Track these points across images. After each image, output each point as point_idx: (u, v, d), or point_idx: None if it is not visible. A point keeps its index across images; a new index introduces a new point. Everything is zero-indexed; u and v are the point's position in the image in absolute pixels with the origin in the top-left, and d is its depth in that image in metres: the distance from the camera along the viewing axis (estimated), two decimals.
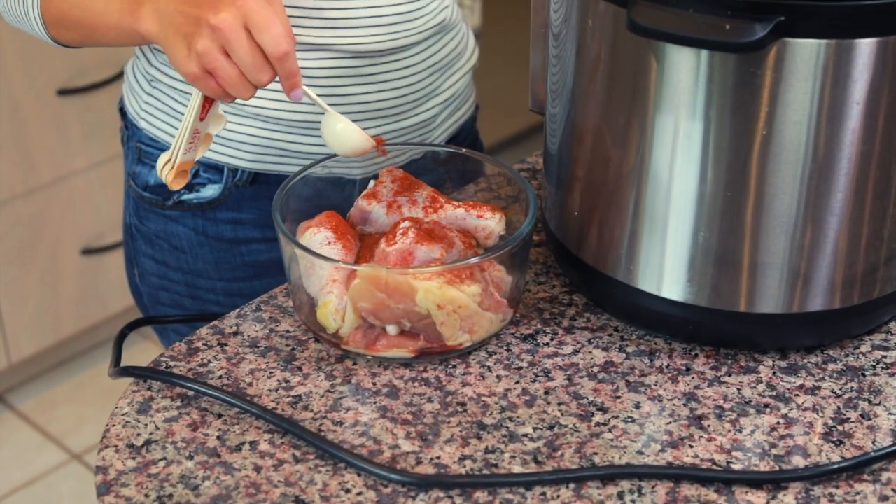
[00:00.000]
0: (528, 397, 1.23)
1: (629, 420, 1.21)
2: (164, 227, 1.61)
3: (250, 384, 1.25)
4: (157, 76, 1.56)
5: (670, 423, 1.20)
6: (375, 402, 1.23)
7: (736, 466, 1.16)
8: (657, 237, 1.23)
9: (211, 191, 1.57)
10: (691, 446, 1.18)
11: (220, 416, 1.21)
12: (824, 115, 1.15)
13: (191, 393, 1.24)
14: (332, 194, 1.41)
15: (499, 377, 1.26)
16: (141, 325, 1.48)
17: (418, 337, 1.26)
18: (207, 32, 1.25)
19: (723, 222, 1.20)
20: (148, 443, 1.18)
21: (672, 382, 1.25)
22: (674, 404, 1.22)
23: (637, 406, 1.22)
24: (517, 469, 1.15)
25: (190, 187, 1.57)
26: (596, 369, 1.27)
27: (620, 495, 1.13)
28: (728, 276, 1.23)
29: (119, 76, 2.85)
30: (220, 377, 1.26)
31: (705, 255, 1.22)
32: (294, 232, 1.34)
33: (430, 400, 1.23)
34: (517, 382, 1.25)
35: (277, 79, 1.32)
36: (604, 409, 1.22)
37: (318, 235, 1.31)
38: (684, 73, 1.16)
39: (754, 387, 1.24)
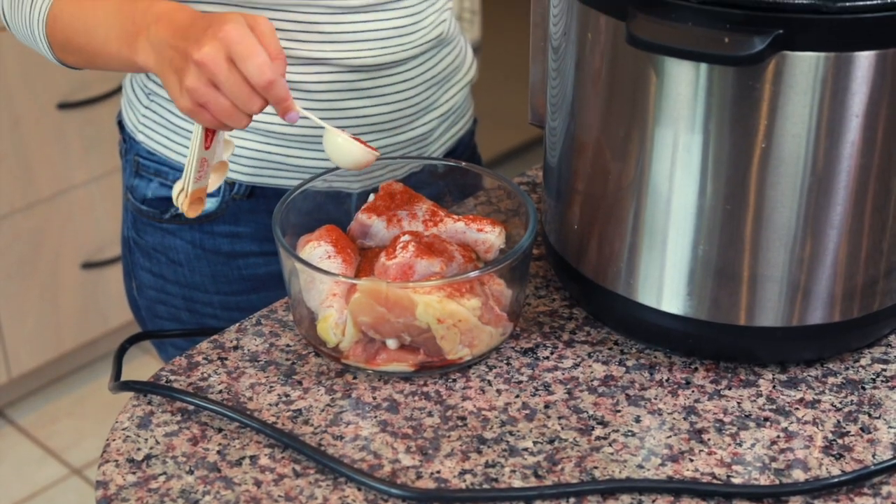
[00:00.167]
0: (528, 411, 1.23)
1: (629, 434, 1.20)
2: (162, 241, 1.61)
3: (250, 398, 1.25)
4: (154, 90, 1.57)
5: (670, 436, 1.20)
6: (376, 417, 1.23)
7: (736, 480, 1.15)
8: (657, 250, 1.24)
9: (208, 204, 1.57)
10: (691, 460, 1.17)
11: (220, 430, 1.21)
12: (823, 128, 1.15)
13: (191, 407, 1.24)
14: (332, 208, 1.41)
15: (499, 391, 1.26)
16: (141, 339, 1.47)
17: (418, 351, 1.26)
18: (194, 68, 1.26)
19: (722, 235, 1.20)
20: (148, 457, 1.18)
21: (672, 396, 1.25)
22: (674, 418, 1.22)
23: (637, 420, 1.22)
24: (517, 483, 1.15)
25: None
26: (596, 383, 1.27)
27: None
28: (728, 290, 1.23)
29: (119, 90, 2.85)
30: (221, 391, 1.26)
31: (705, 268, 1.22)
32: (294, 246, 1.34)
33: (430, 414, 1.23)
34: (517, 396, 1.25)
35: None
36: (604, 423, 1.22)
37: (318, 249, 1.31)
38: (683, 87, 1.16)
39: (754, 400, 1.24)
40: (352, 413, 1.23)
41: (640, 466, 1.17)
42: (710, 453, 1.18)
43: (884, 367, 1.29)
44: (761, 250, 1.20)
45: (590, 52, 1.22)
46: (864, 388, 1.26)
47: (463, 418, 1.22)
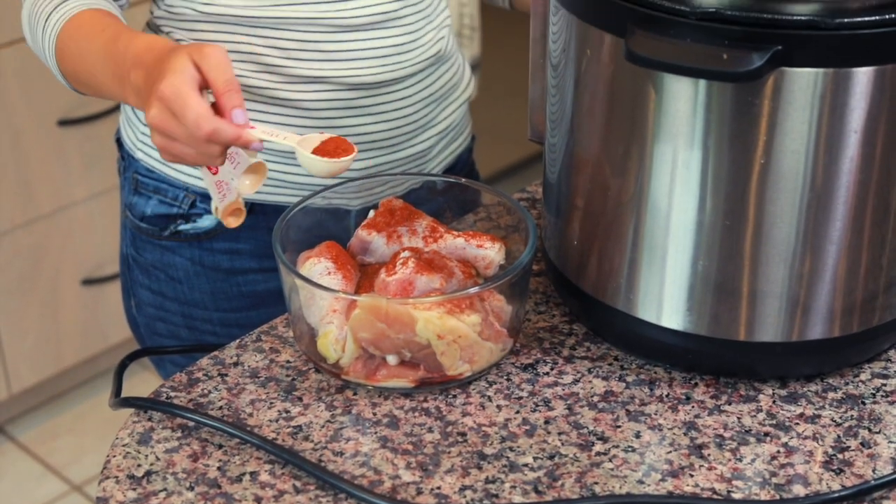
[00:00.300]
0: (528, 427, 1.23)
1: (629, 449, 1.20)
2: (161, 258, 1.61)
3: (251, 414, 1.25)
4: None
5: (671, 452, 1.20)
6: (376, 433, 1.23)
7: (736, 495, 1.15)
8: (656, 266, 1.24)
9: (207, 221, 1.58)
10: (692, 475, 1.17)
11: (220, 446, 1.21)
12: (822, 144, 1.15)
13: (191, 423, 1.24)
14: (331, 225, 1.41)
15: (499, 407, 1.26)
16: (141, 355, 1.48)
17: (418, 367, 1.26)
18: (151, 129, 1.29)
19: (722, 251, 1.20)
20: (148, 473, 1.18)
21: (672, 411, 1.25)
22: (674, 433, 1.22)
23: (637, 435, 1.22)
24: (518, 499, 1.15)
25: (187, 218, 1.58)
26: (596, 398, 1.27)
27: None
28: (727, 305, 1.23)
29: (118, 107, 2.85)
30: (221, 408, 1.26)
31: (704, 283, 1.22)
32: (294, 262, 1.34)
33: (430, 430, 1.23)
34: (517, 412, 1.25)
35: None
36: (604, 439, 1.22)
37: (318, 266, 1.31)
38: (682, 103, 1.16)
39: (754, 415, 1.24)
40: (352, 429, 1.23)
41: (641, 482, 1.17)
42: (710, 468, 1.18)
43: (884, 381, 1.29)
44: (761, 266, 1.20)
45: (589, 68, 1.22)
46: (864, 403, 1.26)
47: (463, 434, 1.22)
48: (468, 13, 3.18)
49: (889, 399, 1.27)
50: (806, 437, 1.22)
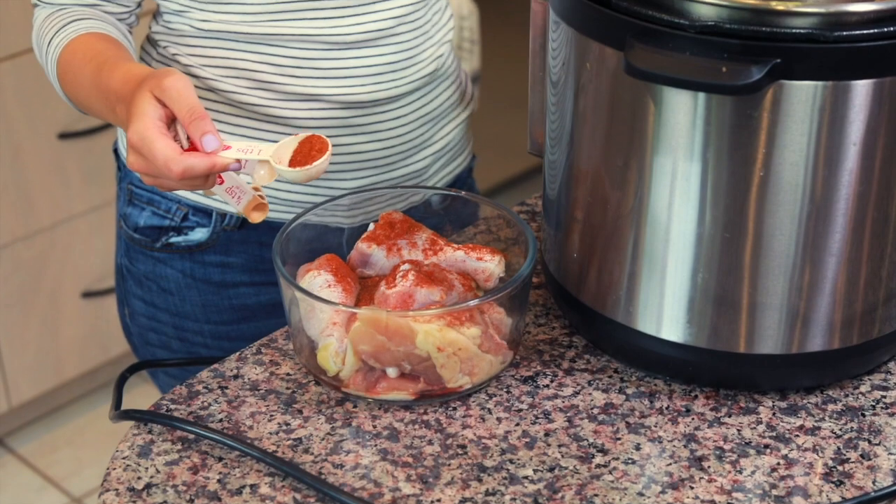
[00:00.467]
0: (528, 439, 1.23)
1: (629, 461, 1.21)
2: (153, 269, 1.62)
3: (251, 427, 1.25)
4: None
5: (671, 464, 1.20)
6: (376, 445, 1.23)
7: None
8: (656, 279, 1.24)
9: (199, 234, 1.58)
10: (692, 487, 1.17)
11: (220, 459, 1.21)
12: (821, 156, 1.15)
13: (191, 436, 1.24)
14: (331, 238, 1.41)
15: (499, 419, 1.26)
16: (141, 368, 1.48)
17: (418, 379, 1.26)
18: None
19: (721, 263, 1.21)
20: (148, 486, 1.18)
21: (672, 424, 1.25)
22: (674, 445, 1.22)
23: (637, 447, 1.22)
24: None
25: (179, 230, 1.58)
26: (596, 411, 1.27)
27: None
28: (727, 318, 1.23)
29: None
30: (221, 420, 1.26)
31: (704, 296, 1.22)
32: (294, 275, 1.34)
33: (430, 442, 1.23)
34: (517, 424, 1.25)
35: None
36: (604, 451, 1.22)
37: (318, 278, 1.31)
38: (681, 116, 1.16)
39: (754, 427, 1.24)
40: (352, 441, 1.23)
41: (641, 494, 1.17)
42: (710, 481, 1.18)
43: (883, 393, 1.29)
44: (760, 278, 1.21)
45: (588, 81, 1.23)
46: (863, 415, 1.26)
47: (463, 446, 1.22)
48: (468, 26, 3.19)
49: (889, 411, 1.27)
50: (806, 449, 1.22)
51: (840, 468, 1.20)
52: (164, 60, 1.54)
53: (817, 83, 1.12)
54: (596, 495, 1.17)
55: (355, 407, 1.28)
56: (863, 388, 1.30)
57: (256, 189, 1.34)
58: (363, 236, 1.38)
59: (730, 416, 1.26)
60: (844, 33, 1.10)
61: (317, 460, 1.21)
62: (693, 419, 1.26)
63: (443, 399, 1.27)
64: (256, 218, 1.33)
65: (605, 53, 1.19)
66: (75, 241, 2.95)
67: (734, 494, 1.17)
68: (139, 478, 1.19)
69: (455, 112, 1.64)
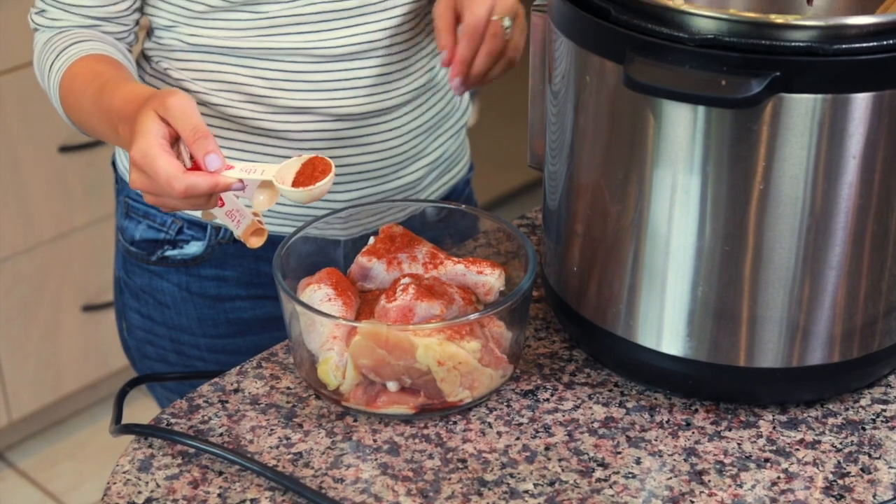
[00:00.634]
0: (528, 453, 1.23)
1: (630, 476, 1.20)
2: (150, 282, 1.62)
3: (251, 441, 1.25)
4: None
5: (671, 478, 1.20)
6: (376, 459, 1.23)
7: None
8: (656, 292, 1.24)
9: (195, 248, 1.58)
10: (692, 501, 1.17)
11: (220, 473, 1.21)
12: (821, 170, 1.15)
13: (192, 450, 1.24)
14: (331, 252, 1.41)
15: (499, 433, 1.26)
16: (142, 382, 1.48)
17: (419, 393, 1.26)
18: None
19: (721, 277, 1.21)
20: (149, 500, 1.18)
21: (672, 437, 1.25)
22: (674, 459, 1.22)
23: (638, 461, 1.22)
24: None
25: (174, 244, 1.58)
26: (596, 425, 1.27)
27: None
28: (727, 331, 1.23)
29: None
30: (221, 434, 1.26)
31: (704, 309, 1.22)
32: (294, 289, 1.34)
33: (430, 456, 1.23)
34: (518, 438, 1.25)
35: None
36: (604, 465, 1.22)
37: (318, 292, 1.31)
38: (681, 129, 1.16)
39: (754, 441, 1.24)
40: (352, 456, 1.23)
41: None
42: (710, 495, 1.18)
43: (883, 407, 1.29)
44: (760, 291, 1.21)
45: (588, 95, 1.23)
46: (864, 429, 1.26)
47: (463, 460, 1.22)
48: None
49: (889, 424, 1.26)
50: (806, 463, 1.22)
51: (840, 482, 1.19)
52: (157, 75, 1.55)
53: (817, 96, 1.12)
54: None
55: (356, 421, 1.28)
56: (863, 402, 1.30)
57: (256, 214, 1.34)
58: (363, 250, 1.38)
59: (730, 430, 1.26)
60: (844, 46, 1.10)
61: (317, 474, 1.21)
62: (693, 433, 1.26)
63: (443, 413, 1.27)
64: (255, 243, 1.33)
65: (605, 67, 1.19)
66: (76, 255, 2.95)
67: None
68: (139, 492, 1.19)
69: (449, 123, 1.64)
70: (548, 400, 1.30)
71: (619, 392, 1.31)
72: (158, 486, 1.20)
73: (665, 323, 1.25)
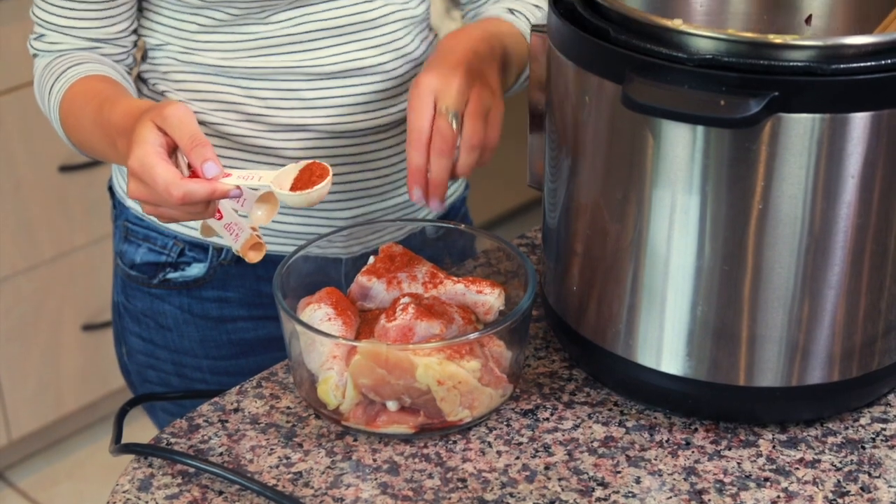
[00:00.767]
0: (528, 473, 1.23)
1: (630, 495, 1.20)
2: (151, 306, 1.62)
3: (251, 461, 1.25)
4: None
5: (671, 497, 1.20)
6: (376, 479, 1.23)
7: None
8: (655, 311, 1.24)
9: (196, 269, 1.58)
10: None
11: (220, 493, 1.21)
12: (820, 189, 1.16)
13: (192, 470, 1.24)
14: (332, 271, 1.42)
15: (499, 452, 1.26)
16: (142, 401, 1.48)
17: (418, 413, 1.26)
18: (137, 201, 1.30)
19: (720, 296, 1.21)
20: None
21: (672, 457, 1.25)
22: (674, 479, 1.22)
23: (637, 481, 1.22)
24: None
25: (175, 266, 1.58)
26: (596, 444, 1.27)
27: None
28: (726, 350, 1.23)
29: None
30: (221, 454, 1.26)
31: (704, 329, 1.22)
32: (294, 308, 1.34)
33: (430, 476, 1.23)
34: (517, 458, 1.25)
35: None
36: (604, 485, 1.21)
37: (318, 312, 1.31)
38: (680, 149, 1.16)
39: (754, 460, 1.24)
40: (352, 475, 1.23)
41: None
42: None
43: (883, 426, 1.29)
44: (759, 310, 1.21)
45: (587, 114, 1.23)
46: (863, 448, 1.26)
47: (463, 480, 1.22)
48: None
49: (889, 443, 1.26)
50: (806, 482, 1.22)
51: (840, 501, 1.19)
52: (154, 97, 1.55)
53: (815, 116, 1.13)
54: None
55: (355, 440, 1.28)
56: (863, 421, 1.30)
57: (254, 229, 1.34)
58: (363, 269, 1.38)
59: (730, 449, 1.26)
60: (842, 66, 1.11)
61: (317, 494, 1.21)
62: (693, 452, 1.26)
63: (443, 432, 1.27)
64: (253, 258, 1.33)
65: (604, 87, 1.20)
66: (76, 274, 2.95)
67: None
68: None
69: None
70: (548, 419, 1.30)
71: (619, 411, 1.31)
72: None
73: (664, 342, 1.25)
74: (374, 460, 1.25)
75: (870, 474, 1.23)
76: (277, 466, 1.24)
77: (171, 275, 1.59)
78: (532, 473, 1.23)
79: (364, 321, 1.34)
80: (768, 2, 1.42)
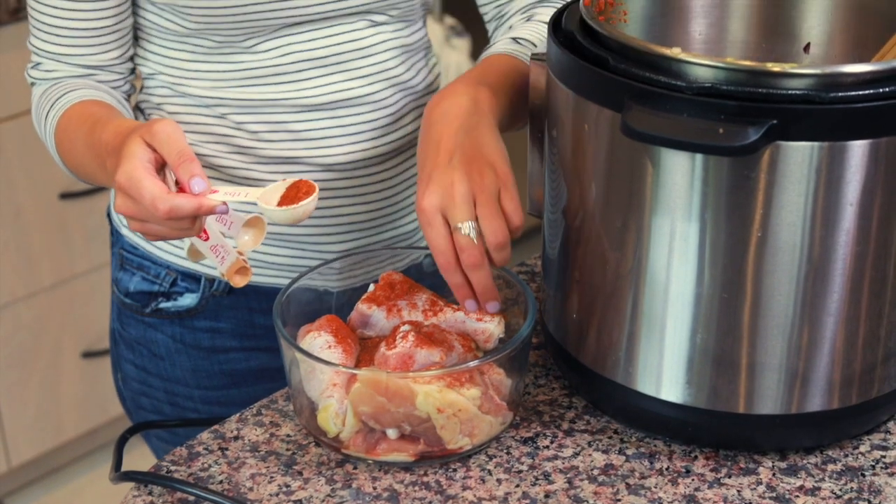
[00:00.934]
0: (528, 501, 1.23)
1: None
2: (144, 334, 1.62)
3: (251, 489, 1.25)
4: None
5: None
6: None
7: None
8: (655, 339, 1.24)
9: (188, 299, 1.58)
10: None
11: None
12: (818, 217, 1.16)
13: (191, 498, 1.24)
14: (331, 300, 1.42)
15: (499, 480, 1.26)
16: (141, 429, 1.48)
17: (418, 441, 1.26)
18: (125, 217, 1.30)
19: (720, 324, 1.21)
20: None
21: (672, 485, 1.25)
22: None
23: None
24: None
25: (168, 296, 1.58)
26: (596, 472, 1.27)
27: None
28: (726, 378, 1.23)
29: None
30: (221, 482, 1.26)
31: (703, 356, 1.22)
32: (294, 336, 1.34)
33: None
34: (517, 486, 1.25)
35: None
36: None
37: (318, 339, 1.31)
38: (679, 177, 1.17)
39: (754, 488, 1.24)
40: (352, 503, 1.23)
41: None
42: None
43: (883, 453, 1.29)
44: (759, 338, 1.21)
45: (587, 142, 1.23)
46: (863, 475, 1.26)
47: None
48: None
49: (889, 471, 1.26)
50: None
51: None
52: None
53: (814, 144, 1.13)
54: None
55: (355, 468, 1.28)
56: (862, 448, 1.30)
57: (240, 253, 1.34)
58: (363, 297, 1.39)
59: (730, 477, 1.26)
60: (840, 94, 1.11)
61: None
62: (693, 480, 1.25)
63: (443, 460, 1.27)
64: (239, 282, 1.33)
65: (603, 115, 1.20)
66: (76, 302, 2.95)
67: None
68: None
69: None
70: (547, 447, 1.30)
71: (619, 439, 1.31)
72: None
73: (664, 370, 1.25)
74: (374, 488, 1.25)
75: (870, 502, 1.23)
76: (277, 494, 1.24)
77: (164, 304, 1.59)
78: (532, 501, 1.23)
79: (364, 349, 1.34)
80: (767, 30, 1.43)
